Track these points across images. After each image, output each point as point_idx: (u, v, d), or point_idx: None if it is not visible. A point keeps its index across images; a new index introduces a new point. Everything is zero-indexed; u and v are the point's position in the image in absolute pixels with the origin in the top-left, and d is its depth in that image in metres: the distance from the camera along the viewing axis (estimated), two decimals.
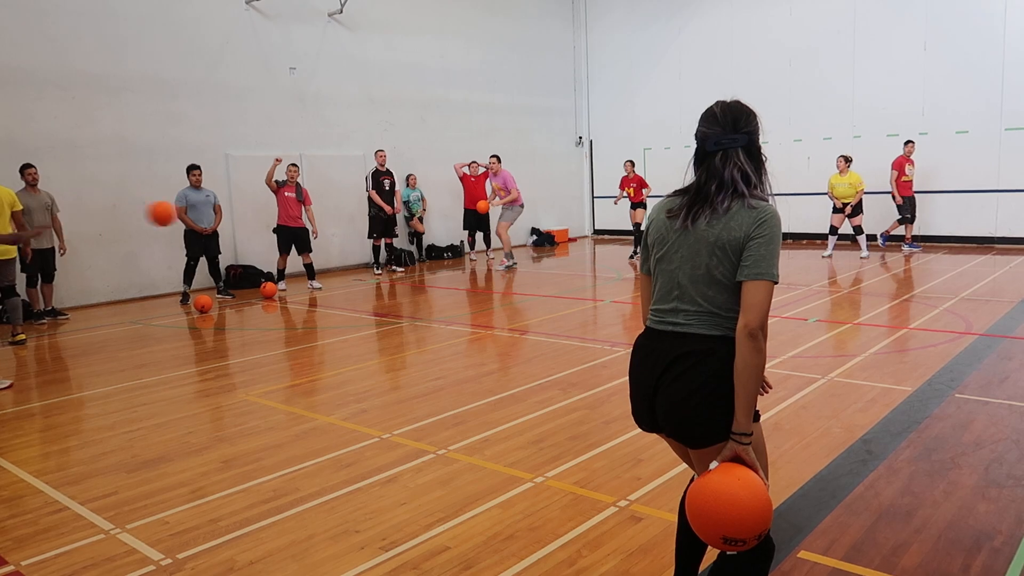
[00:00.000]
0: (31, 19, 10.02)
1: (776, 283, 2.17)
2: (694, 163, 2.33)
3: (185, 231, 10.53)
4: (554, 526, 3.44)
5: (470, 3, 16.07)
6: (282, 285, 11.48)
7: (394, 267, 13.60)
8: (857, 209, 12.61)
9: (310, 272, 11.61)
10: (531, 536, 3.35)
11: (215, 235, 10.73)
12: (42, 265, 9.32)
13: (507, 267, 13.02)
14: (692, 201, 2.27)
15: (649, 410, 2.31)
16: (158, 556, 3.30)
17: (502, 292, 10.83)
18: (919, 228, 14.29)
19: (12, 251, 7.74)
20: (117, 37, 10.81)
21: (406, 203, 14.42)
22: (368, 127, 14.11)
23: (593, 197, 19.33)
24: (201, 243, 10.57)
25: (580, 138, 19.18)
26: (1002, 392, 5.31)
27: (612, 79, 18.49)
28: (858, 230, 12.69)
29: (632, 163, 14.22)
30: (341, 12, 13.43)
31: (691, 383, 2.19)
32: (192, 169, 10.51)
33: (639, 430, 4.61)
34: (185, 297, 10.56)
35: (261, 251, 12.33)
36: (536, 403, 5.33)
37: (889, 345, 6.72)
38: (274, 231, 11.42)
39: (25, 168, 9.15)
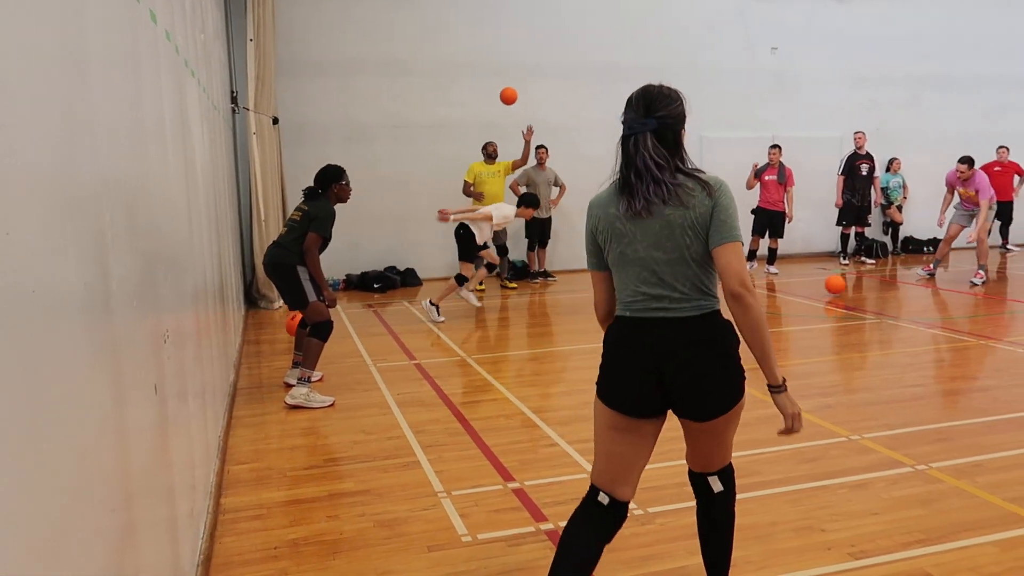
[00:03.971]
0: (553, 17, 11.54)
1: (741, 243, 2.25)
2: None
3: None
4: None
5: None
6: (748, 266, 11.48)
7: (863, 258, 12.58)
8: None
9: (771, 256, 11.40)
10: None
11: None
12: (540, 232, 10.78)
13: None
14: (626, 191, 2.31)
15: (652, 396, 2.31)
16: (632, 505, 3.60)
17: (995, 297, 9.24)
18: None
19: None
20: (616, 30, 11.84)
21: (884, 189, 13.17)
22: (849, 107, 13.17)
23: None
24: None
25: None
26: None
27: None
28: None
29: None
30: None
31: (704, 362, 2.27)
32: None
33: None
34: None
35: None
36: None
37: None
38: (752, 212, 11.42)
39: (538, 148, 10.62)
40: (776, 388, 2.30)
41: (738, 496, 3.67)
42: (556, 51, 11.60)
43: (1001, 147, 13.00)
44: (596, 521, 2.45)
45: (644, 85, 2.41)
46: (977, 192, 10.03)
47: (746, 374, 2.38)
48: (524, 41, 11.45)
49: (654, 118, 2.31)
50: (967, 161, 10.12)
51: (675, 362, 2.27)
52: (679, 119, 2.37)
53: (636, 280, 2.31)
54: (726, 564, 2.65)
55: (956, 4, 13.66)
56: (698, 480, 2.61)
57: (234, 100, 9.44)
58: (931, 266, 10.66)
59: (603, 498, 2.44)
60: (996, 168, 12.97)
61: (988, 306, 8.83)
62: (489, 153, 10.20)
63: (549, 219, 10.85)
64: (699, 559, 2.77)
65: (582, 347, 6.98)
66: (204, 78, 5.17)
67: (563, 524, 3.39)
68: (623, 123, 2.37)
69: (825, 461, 4.13)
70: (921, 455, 4.17)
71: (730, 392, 2.32)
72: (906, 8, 13.35)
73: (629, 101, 2.39)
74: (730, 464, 2.61)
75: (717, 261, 2.24)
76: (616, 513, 2.47)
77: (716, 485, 2.56)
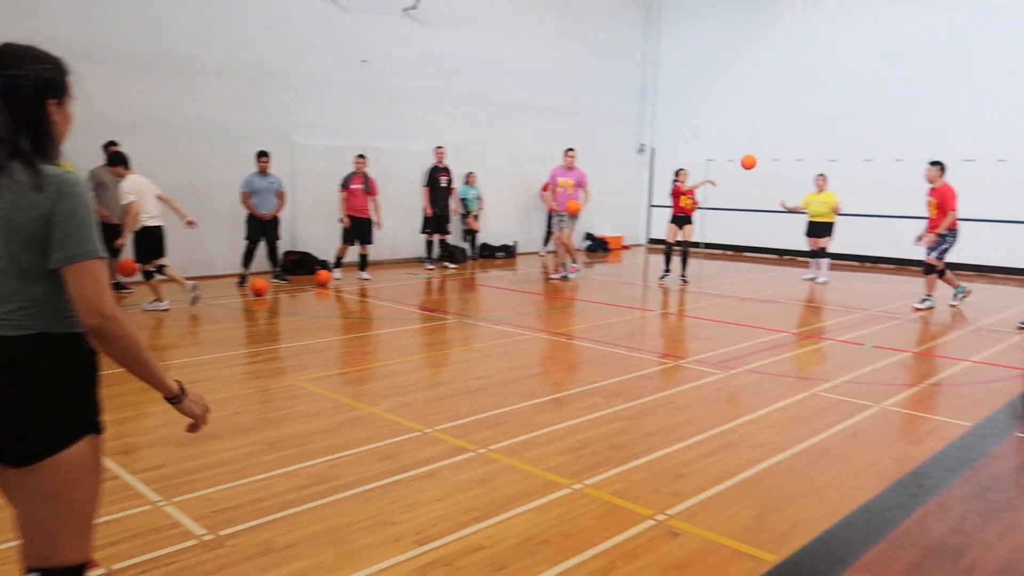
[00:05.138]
0: (129, 1, 10.39)
1: (102, 258, 1.86)
2: None
3: (247, 215, 10.77)
4: (589, 535, 3.42)
5: (543, 3, 16.10)
6: (337, 273, 11.66)
7: (446, 263, 13.70)
8: (827, 231, 12.35)
9: (363, 263, 11.77)
10: (565, 543, 3.34)
11: (275, 220, 10.95)
12: (106, 239, 9.61)
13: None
14: None
15: None
16: (201, 531, 3.39)
17: (551, 295, 10.81)
18: (974, 257, 13.77)
19: None
20: (208, 21, 11.15)
21: (463, 200, 14.53)
22: (434, 122, 14.24)
23: (651, 206, 19.15)
24: (261, 228, 10.80)
25: (643, 145, 19.04)
26: None
27: (680, 88, 18.30)
28: (823, 252, 12.44)
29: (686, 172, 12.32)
30: (416, 8, 13.59)
31: (13, 390, 1.84)
32: (260, 156, 10.76)
33: (681, 444, 4.59)
34: (242, 279, 10.81)
35: (319, 239, 12.54)
36: (578, 409, 5.31)
37: (949, 377, 6.50)
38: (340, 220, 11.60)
39: (109, 145, 9.42)
40: (175, 398, 2.06)
41: (319, 502, 3.72)
42: (138, 40, 10.50)
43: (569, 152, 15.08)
44: None
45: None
46: (578, 184, 11.89)
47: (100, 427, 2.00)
48: (114, 27, 10.19)
49: (2, 76, 1.83)
50: (571, 149, 12.04)
51: None
52: (43, 85, 1.89)
53: None
54: None
55: (525, 37, 15.64)
56: None
57: None
58: (562, 268, 12.26)
59: None
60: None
61: (547, 303, 10.25)
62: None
63: (115, 225, 9.68)
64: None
65: (184, 360, 6.38)
66: None
67: (118, 566, 3.06)
68: None
69: (401, 456, 4.36)
70: (482, 439, 4.64)
71: (50, 433, 1.85)
72: (482, 36, 14.88)
73: None
74: (78, 570, 1.97)
75: (66, 285, 1.83)
76: None
77: None
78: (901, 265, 14.86)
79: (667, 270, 12.21)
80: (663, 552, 3.27)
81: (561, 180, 12.06)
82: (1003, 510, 3.79)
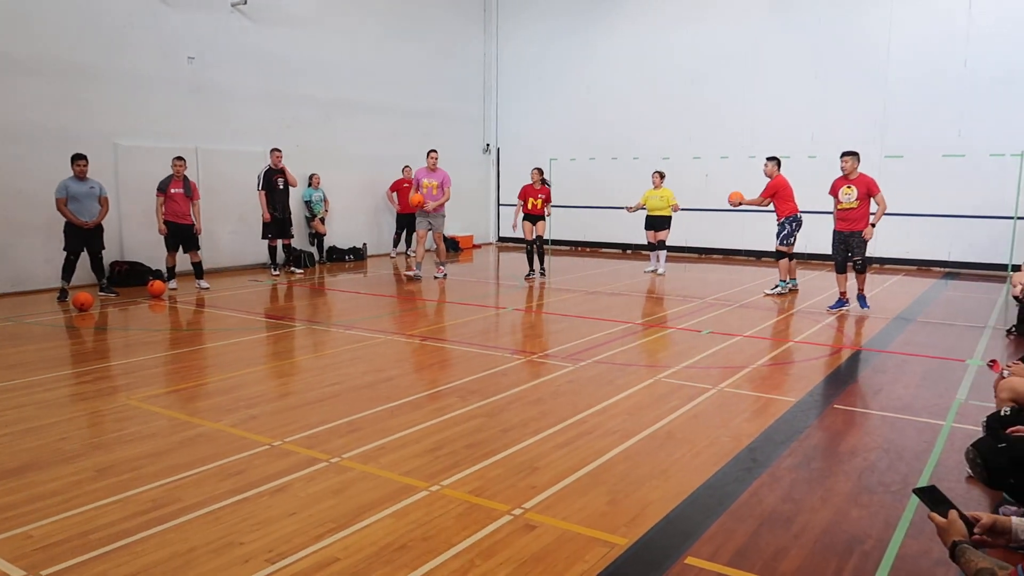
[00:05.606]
0: None
1: None
2: None
3: (65, 224, 9.89)
4: (448, 535, 3.40)
5: (382, 3, 15.88)
6: (172, 284, 10.96)
7: (293, 268, 13.23)
8: (665, 224, 13.15)
9: (198, 271, 11.15)
10: (424, 546, 3.31)
11: (99, 229, 10.13)
12: None
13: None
14: None
15: None
16: (19, 573, 3.06)
17: (404, 297, 10.70)
18: (807, 246, 15.03)
19: None
20: (15, 13, 10.12)
21: (308, 203, 14.12)
22: (270, 123, 13.70)
23: (499, 205, 19.42)
24: (82, 237, 9.95)
25: (488, 145, 19.26)
26: (876, 403, 5.65)
27: (521, 88, 18.67)
28: (661, 245, 13.25)
29: (540, 171, 12.71)
30: (245, 3, 13.00)
31: None
32: (76, 159, 9.90)
33: (536, 438, 4.67)
34: (63, 294, 9.92)
35: (149, 247, 11.72)
36: (434, 410, 5.28)
37: (775, 357, 7.03)
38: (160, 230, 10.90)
39: None
40: None
41: (158, 528, 3.47)
42: None
43: (405, 166, 15.28)
44: None
45: None
46: (442, 185, 11.91)
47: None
48: None
49: None
50: (433, 150, 12.12)
51: None
52: None
53: None
54: None
55: (362, 36, 15.35)
56: None
57: None
58: (416, 267, 12.25)
59: None
60: (405, 184, 15.07)
61: (400, 305, 10.12)
62: None
63: None
64: None
65: None
66: None
67: None
68: None
69: (248, 472, 4.15)
70: (335, 448, 4.51)
71: None
72: (318, 34, 14.47)
73: None
74: None
75: None
76: None
77: None
78: (729, 255, 15.94)
79: (531, 268, 12.53)
80: (520, 546, 3.31)
81: (425, 181, 12.00)
82: (824, 477, 4.15)
